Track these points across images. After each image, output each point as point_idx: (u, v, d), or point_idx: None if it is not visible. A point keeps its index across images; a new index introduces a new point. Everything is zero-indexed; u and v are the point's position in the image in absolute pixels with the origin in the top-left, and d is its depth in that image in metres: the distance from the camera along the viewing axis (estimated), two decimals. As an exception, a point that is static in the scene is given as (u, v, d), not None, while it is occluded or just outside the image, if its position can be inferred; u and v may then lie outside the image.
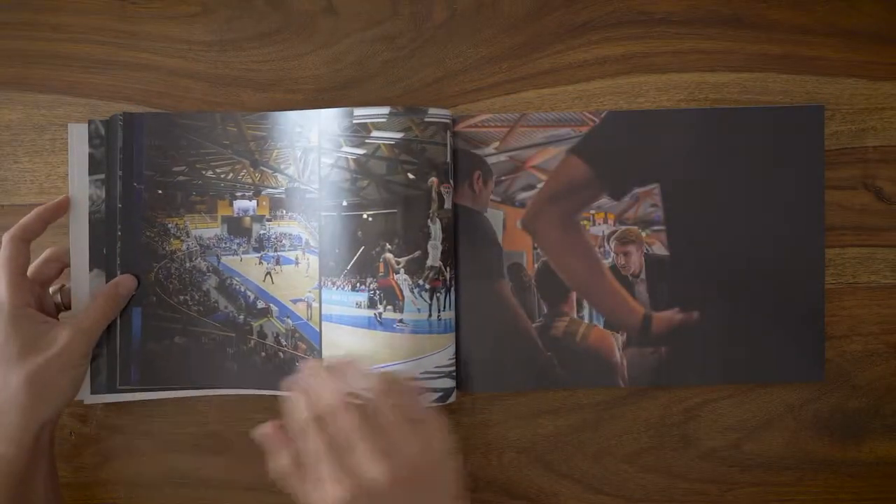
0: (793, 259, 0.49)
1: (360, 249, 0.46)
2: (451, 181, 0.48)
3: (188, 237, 0.49)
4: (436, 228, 0.47)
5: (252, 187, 0.49)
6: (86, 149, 0.48)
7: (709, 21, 0.50)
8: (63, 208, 0.47)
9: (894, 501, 0.50)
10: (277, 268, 0.49)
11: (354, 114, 0.46)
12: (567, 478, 0.51)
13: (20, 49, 0.51)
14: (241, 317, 0.49)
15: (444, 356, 0.47)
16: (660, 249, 0.50)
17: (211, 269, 0.49)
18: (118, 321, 0.48)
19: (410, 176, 0.46)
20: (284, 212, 0.48)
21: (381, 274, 0.46)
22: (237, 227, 0.49)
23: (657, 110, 0.50)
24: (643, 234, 0.50)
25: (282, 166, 0.48)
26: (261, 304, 0.49)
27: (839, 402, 0.50)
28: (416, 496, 0.37)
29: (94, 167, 0.48)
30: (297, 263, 0.48)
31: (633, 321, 0.50)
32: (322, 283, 0.47)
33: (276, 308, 0.48)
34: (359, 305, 0.46)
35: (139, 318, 0.48)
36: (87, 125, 0.48)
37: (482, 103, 0.50)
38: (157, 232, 0.49)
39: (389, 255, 0.46)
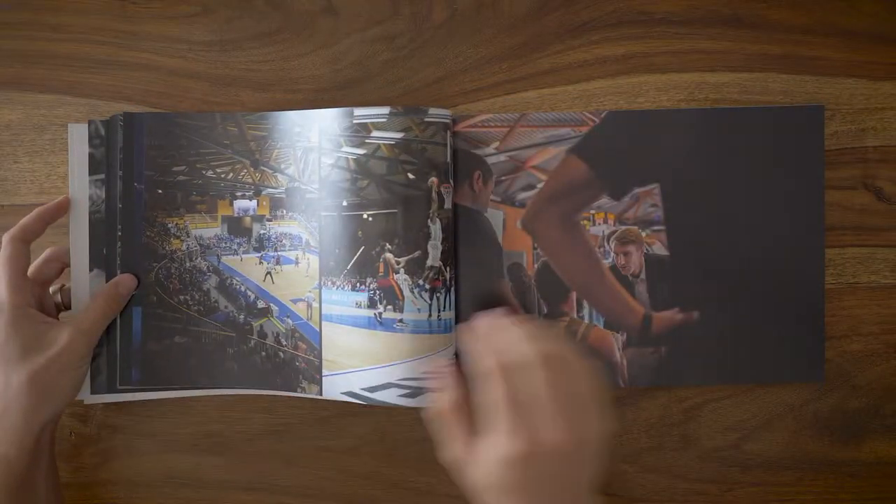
0: (793, 259, 0.49)
1: (361, 249, 0.46)
2: (451, 181, 0.48)
3: (188, 237, 0.49)
4: (436, 228, 0.47)
5: (252, 187, 0.49)
6: (86, 149, 0.48)
7: (709, 21, 0.50)
8: (63, 208, 0.47)
9: (894, 501, 0.51)
10: (277, 267, 0.49)
11: (354, 114, 0.46)
12: (567, 478, 0.50)
13: (20, 49, 0.51)
14: (242, 316, 0.49)
15: (444, 356, 0.47)
16: (660, 249, 0.50)
17: (211, 268, 0.49)
18: (118, 321, 0.48)
19: (410, 176, 0.46)
20: (284, 212, 0.49)
21: (381, 274, 0.46)
22: (237, 227, 0.49)
23: (657, 110, 0.50)
24: (643, 234, 0.50)
25: (282, 166, 0.48)
26: (261, 304, 0.49)
27: (839, 402, 0.50)
28: (574, 472, 0.36)
29: (94, 167, 0.48)
30: (297, 263, 0.48)
31: (633, 321, 0.50)
32: (322, 283, 0.47)
33: (277, 308, 0.49)
34: (359, 305, 0.46)
35: (139, 317, 0.48)
36: (87, 125, 0.48)
37: (482, 103, 0.50)
38: (157, 232, 0.49)
39: (389, 255, 0.46)
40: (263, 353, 0.48)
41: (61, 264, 0.48)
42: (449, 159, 0.47)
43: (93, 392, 0.48)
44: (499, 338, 0.39)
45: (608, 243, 0.50)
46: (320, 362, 0.47)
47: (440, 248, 0.47)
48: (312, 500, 0.51)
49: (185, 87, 0.51)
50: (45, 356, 0.43)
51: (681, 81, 0.50)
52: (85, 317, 0.45)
